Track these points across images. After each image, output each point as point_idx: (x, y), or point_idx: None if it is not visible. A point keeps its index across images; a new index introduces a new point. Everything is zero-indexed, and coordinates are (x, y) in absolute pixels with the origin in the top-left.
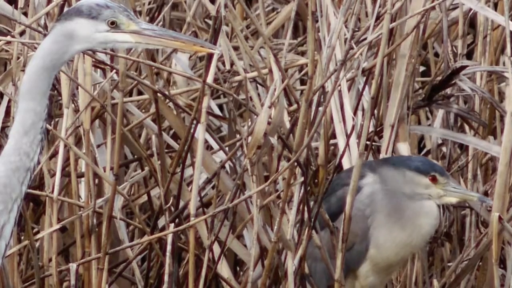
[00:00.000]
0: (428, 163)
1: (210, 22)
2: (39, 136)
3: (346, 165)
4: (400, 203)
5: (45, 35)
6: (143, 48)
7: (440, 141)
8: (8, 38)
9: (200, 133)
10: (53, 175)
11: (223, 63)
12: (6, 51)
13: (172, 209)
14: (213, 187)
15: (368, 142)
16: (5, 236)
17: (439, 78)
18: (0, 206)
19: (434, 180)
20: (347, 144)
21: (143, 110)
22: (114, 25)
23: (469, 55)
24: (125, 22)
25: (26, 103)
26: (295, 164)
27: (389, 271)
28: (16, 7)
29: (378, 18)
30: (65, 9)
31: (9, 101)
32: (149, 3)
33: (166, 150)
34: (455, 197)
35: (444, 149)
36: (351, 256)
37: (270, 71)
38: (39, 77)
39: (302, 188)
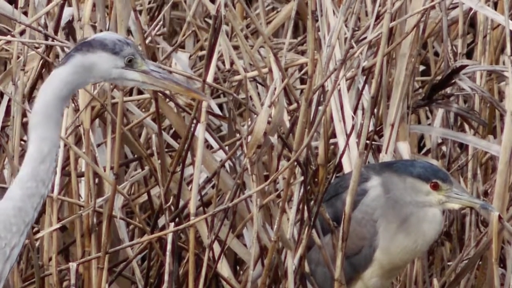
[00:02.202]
0: (430, 170)
1: (210, 21)
2: (54, 164)
3: (346, 164)
4: (404, 209)
5: (45, 35)
6: (146, 88)
7: (440, 140)
8: (8, 37)
9: (200, 132)
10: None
11: (223, 63)
12: (6, 50)
13: (172, 208)
14: (213, 187)
15: (368, 142)
16: (12, 259)
17: (439, 77)
18: (14, 229)
19: (436, 187)
20: (347, 144)
21: (143, 110)
22: (130, 63)
23: (469, 55)
24: (139, 61)
25: (42, 131)
26: (295, 163)
27: (392, 274)
28: (16, 7)
29: (378, 17)
30: (65, 8)
31: (9, 100)
32: (149, 2)
33: (166, 150)
34: (458, 204)
35: (444, 148)
36: (359, 260)
37: (270, 70)
38: (55, 107)
39: (302, 187)
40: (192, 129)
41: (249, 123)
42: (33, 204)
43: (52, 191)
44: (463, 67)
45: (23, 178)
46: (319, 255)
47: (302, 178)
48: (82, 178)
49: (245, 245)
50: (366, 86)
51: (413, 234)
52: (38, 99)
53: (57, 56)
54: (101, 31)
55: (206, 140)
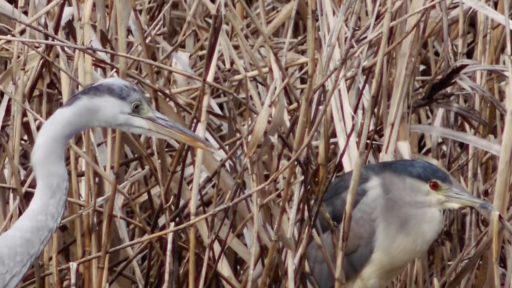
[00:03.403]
0: (429, 170)
1: (210, 21)
2: (64, 197)
3: (346, 164)
4: (403, 209)
5: (45, 34)
6: (151, 136)
7: (440, 140)
8: (9, 37)
9: (201, 132)
10: None
11: (223, 62)
12: (7, 50)
13: (173, 208)
14: (213, 186)
15: (368, 141)
16: (9, 287)
17: (439, 77)
18: (18, 258)
19: (435, 186)
20: (347, 143)
21: None
22: (136, 109)
23: (469, 54)
24: (146, 108)
25: (48, 167)
26: (295, 163)
27: (391, 274)
28: (16, 6)
29: (378, 17)
30: (65, 8)
31: (9, 100)
32: (149, 2)
33: (166, 149)
34: (457, 203)
35: (444, 148)
36: (355, 258)
37: (270, 70)
38: (58, 144)
39: (302, 187)
40: (192, 128)
41: (249, 122)
42: (41, 237)
43: None
44: (463, 66)
45: (33, 211)
46: (317, 252)
47: (303, 177)
48: (82, 178)
49: (245, 244)
50: (367, 86)
51: (413, 234)
52: (41, 136)
53: (57, 55)
54: (101, 30)
55: (206, 140)
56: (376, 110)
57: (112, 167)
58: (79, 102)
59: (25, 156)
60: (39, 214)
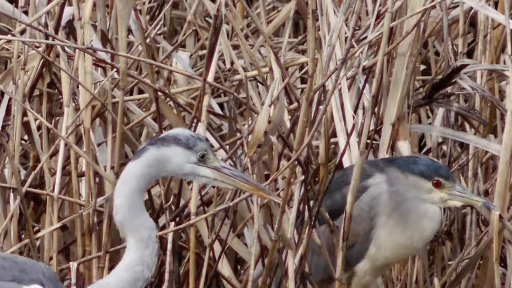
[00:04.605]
0: (432, 167)
1: (211, 20)
2: (156, 245)
3: (346, 163)
4: (405, 205)
5: (45, 34)
6: (217, 185)
7: (440, 140)
8: (9, 37)
9: (201, 132)
10: (53, 174)
11: (224, 62)
12: (7, 49)
13: (173, 207)
14: (213, 186)
15: (368, 141)
16: None
17: (440, 76)
18: None
19: (438, 184)
20: (348, 143)
21: (144, 109)
22: (202, 158)
23: (470, 54)
24: (211, 157)
25: (134, 223)
26: (296, 162)
27: (384, 269)
28: (16, 6)
29: (379, 16)
30: (66, 8)
31: (10, 99)
32: (150, 2)
33: None
34: (459, 201)
35: (444, 147)
36: (351, 254)
37: (271, 69)
38: (136, 198)
39: (303, 187)
40: (192, 128)
41: (250, 122)
42: (137, 287)
43: (53, 190)
44: (463, 66)
45: (132, 263)
46: (312, 244)
47: (303, 177)
48: (83, 178)
49: (245, 244)
50: (367, 85)
51: (411, 230)
52: (118, 195)
53: (57, 55)
54: (101, 30)
55: (206, 139)
56: (376, 109)
57: (112, 167)
58: (147, 154)
59: (25, 156)
60: (136, 266)
